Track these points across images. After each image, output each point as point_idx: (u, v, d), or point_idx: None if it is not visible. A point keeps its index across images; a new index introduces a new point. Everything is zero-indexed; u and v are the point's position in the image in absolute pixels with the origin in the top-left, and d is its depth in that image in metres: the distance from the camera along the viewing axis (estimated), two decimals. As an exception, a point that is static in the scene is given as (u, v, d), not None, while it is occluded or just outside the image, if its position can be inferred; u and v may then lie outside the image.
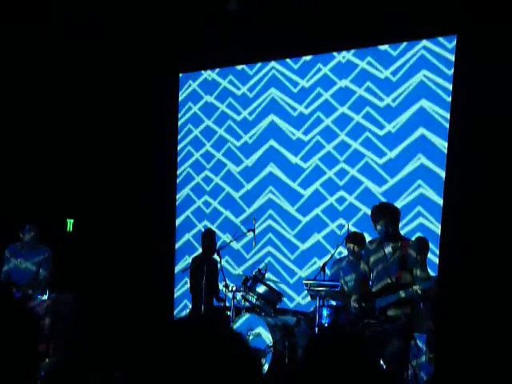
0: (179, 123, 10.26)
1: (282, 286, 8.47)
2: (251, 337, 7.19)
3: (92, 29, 9.05)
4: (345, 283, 7.56)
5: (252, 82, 9.67)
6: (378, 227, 6.20)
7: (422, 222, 8.13)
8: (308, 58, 9.21)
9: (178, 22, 9.25)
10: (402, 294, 6.04)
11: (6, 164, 9.30)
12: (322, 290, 7.08)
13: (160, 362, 1.49)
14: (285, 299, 8.10)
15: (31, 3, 8.83)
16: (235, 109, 9.79)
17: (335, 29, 8.45)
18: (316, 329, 6.98)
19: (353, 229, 8.08)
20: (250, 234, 8.31)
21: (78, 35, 9.03)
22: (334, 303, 7.46)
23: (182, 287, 9.69)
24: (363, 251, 7.38)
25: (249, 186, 9.57)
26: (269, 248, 9.31)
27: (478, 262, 6.98)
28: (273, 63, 9.50)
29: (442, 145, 7.99)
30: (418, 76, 8.32)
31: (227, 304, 7.95)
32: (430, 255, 7.47)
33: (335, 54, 8.99)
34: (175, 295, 9.92)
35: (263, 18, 8.77)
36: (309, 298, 7.98)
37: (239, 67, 9.78)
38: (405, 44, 8.47)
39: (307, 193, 9.08)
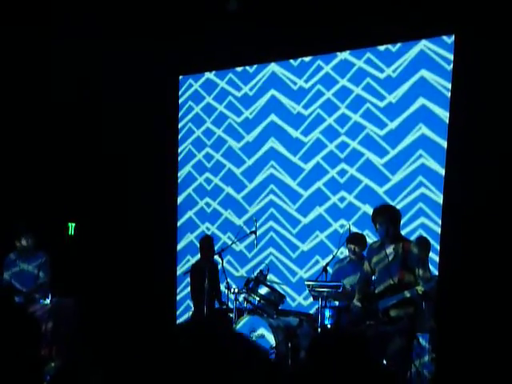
0: (180, 125, 10.27)
1: (284, 287, 8.47)
2: (254, 338, 7.19)
3: (92, 30, 9.05)
4: (346, 284, 7.55)
5: (252, 82, 9.67)
6: (379, 229, 6.22)
7: (423, 221, 8.13)
8: (307, 58, 9.21)
9: (178, 23, 9.25)
10: (407, 294, 6.05)
11: (7, 167, 9.31)
12: (324, 291, 7.07)
13: (164, 366, 1.49)
14: (287, 300, 8.10)
15: (32, 5, 8.83)
16: (235, 109, 9.80)
17: (334, 29, 8.45)
18: (319, 330, 6.97)
19: (354, 229, 8.08)
20: (252, 236, 8.31)
21: (78, 36, 9.04)
22: (336, 304, 7.45)
23: (185, 289, 9.69)
24: (364, 252, 7.40)
25: (250, 187, 9.57)
26: (270, 249, 9.31)
27: (479, 261, 6.98)
28: (272, 64, 9.50)
29: (442, 143, 7.99)
30: (418, 75, 8.31)
31: (230, 306, 7.95)
32: (431, 254, 7.46)
33: (334, 53, 8.98)
34: (177, 297, 9.93)
35: (263, 18, 8.77)
36: (311, 299, 7.97)
37: (239, 68, 9.79)
38: (400, 45, 8.47)
39: (308, 193, 9.08)
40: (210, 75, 10.09)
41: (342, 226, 8.28)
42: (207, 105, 10.07)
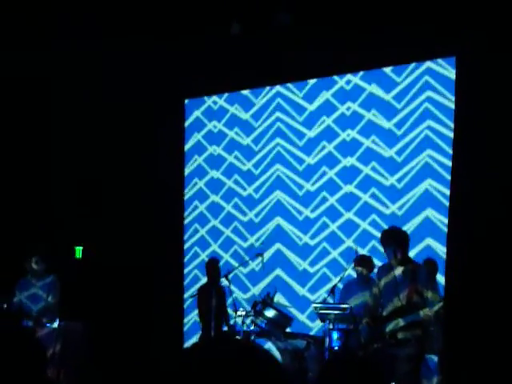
0: (185, 149, 10.29)
1: (292, 309, 8.46)
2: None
3: (96, 54, 9.14)
4: (353, 306, 7.53)
5: (258, 106, 9.72)
6: (388, 252, 6.25)
7: (429, 243, 8.14)
8: (313, 81, 9.27)
9: (183, 47, 9.31)
10: (415, 316, 6.05)
11: (14, 191, 9.37)
12: (331, 313, 7.06)
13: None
14: (295, 322, 8.08)
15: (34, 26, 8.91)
16: (241, 134, 9.83)
17: (339, 52, 8.52)
18: (326, 352, 6.95)
19: (361, 251, 8.09)
20: (259, 259, 8.31)
21: (83, 59, 9.13)
22: (343, 326, 7.43)
23: (192, 312, 9.67)
24: (371, 274, 7.41)
25: (256, 211, 9.58)
26: (277, 271, 9.30)
27: (486, 282, 6.98)
28: (278, 87, 9.55)
29: (447, 165, 8.02)
30: (422, 97, 8.37)
31: (237, 329, 7.94)
32: (437, 276, 7.47)
33: (339, 75, 9.05)
34: (185, 320, 9.90)
35: (266, 41, 8.85)
36: (318, 322, 7.96)
37: (245, 92, 9.84)
38: (405, 66, 8.54)
39: (315, 216, 9.09)
40: (215, 99, 10.13)
41: (348, 250, 8.28)
42: (212, 130, 10.10)
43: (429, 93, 8.33)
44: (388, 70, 8.68)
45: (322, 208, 9.04)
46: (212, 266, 8.59)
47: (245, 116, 9.82)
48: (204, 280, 8.94)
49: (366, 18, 8.02)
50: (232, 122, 9.91)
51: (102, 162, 9.82)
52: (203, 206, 10.03)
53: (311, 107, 9.25)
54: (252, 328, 7.72)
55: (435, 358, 6.99)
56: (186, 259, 10.09)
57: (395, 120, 8.58)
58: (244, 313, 7.69)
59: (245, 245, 9.51)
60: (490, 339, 6.78)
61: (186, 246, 10.14)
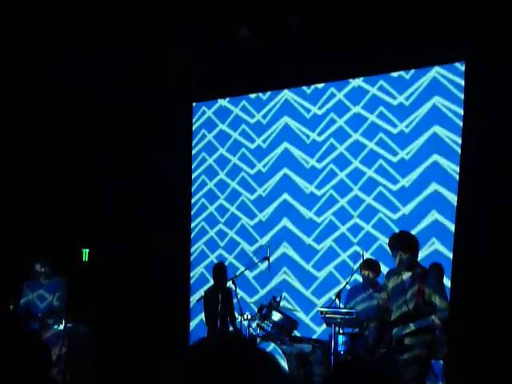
0: (193, 152, 10.32)
1: (297, 313, 8.45)
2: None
3: (105, 58, 9.16)
4: (360, 310, 7.52)
5: (265, 109, 9.73)
6: (396, 256, 6.21)
7: (437, 247, 8.12)
8: (320, 85, 9.28)
9: (191, 50, 9.33)
10: (422, 323, 6.02)
11: (22, 194, 9.39)
12: (337, 318, 7.04)
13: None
14: (301, 326, 8.08)
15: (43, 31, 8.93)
16: (249, 137, 9.85)
17: (348, 56, 8.53)
18: (332, 356, 6.93)
19: (368, 255, 8.08)
20: (265, 262, 8.31)
21: (92, 65, 9.15)
22: (350, 330, 7.41)
23: (197, 317, 9.67)
24: (378, 278, 7.39)
25: (263, 214, 9.59)
26: (284, 275, 9.30)
27: (493, 288, 6.95)
28: (285, 91, 9.57)
29: (455, 171, 8.01)
30: (431, 102, 8.37)
31: (243, 332, 7.93)
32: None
33: (347, 80, 9.06)
34: (191, 324, 9.91)
35: (276, 45, 8.86)
36: (324, 326, 7.95)
37: (252, 95, 9.86)
38: (413, 71, 8.55)
39: (321, 220, 9.09)
40: (223, 102, 10.16)
41: (355, 254, 8.27)
42: (220, 132, 10.13)
43: (437, 98, 8.33)
44: (396, 74, 8.68)
45: (330, 211, 9.03)
46: (219, 270, 8.58)
47: (252, 119, 9.83)
48: (210, 283, 8.94)
49: (376, 22, 8.03)
50: (240, 125, 9.93)
51: (109, 164, 9.84)
52: (213, 207, 10.05)
53: (319, 111, 9.25)
54: (258, 332, 7.72)
55: (440, 364, 6.97)
56: (191, 259, 10.12)
57: (403, 124, 8.58)
58: (250, 316, 7.68)
59: (251, 248, 9.50)
60: (495, 345, 6.75)
61: (194, 247, 10.16)
